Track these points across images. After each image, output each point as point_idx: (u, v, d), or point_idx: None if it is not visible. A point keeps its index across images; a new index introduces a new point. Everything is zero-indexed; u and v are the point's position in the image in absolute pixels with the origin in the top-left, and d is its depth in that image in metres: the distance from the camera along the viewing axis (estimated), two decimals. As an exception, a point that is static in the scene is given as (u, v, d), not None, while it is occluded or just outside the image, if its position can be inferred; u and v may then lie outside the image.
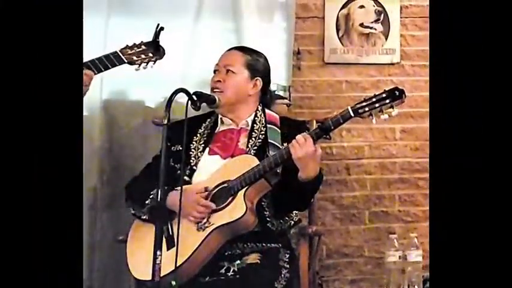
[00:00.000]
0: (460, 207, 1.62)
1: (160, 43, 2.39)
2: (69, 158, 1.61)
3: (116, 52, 2.34)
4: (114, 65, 2.32)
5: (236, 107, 2.45)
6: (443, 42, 1.70)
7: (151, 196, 2.27)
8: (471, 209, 1.61)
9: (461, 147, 1.64)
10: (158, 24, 2.36)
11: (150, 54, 2.38)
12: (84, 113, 3.01)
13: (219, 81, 2.42)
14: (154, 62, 2.41)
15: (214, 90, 2.42)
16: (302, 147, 2.15)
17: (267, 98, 2.55)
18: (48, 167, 1.58)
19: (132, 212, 2.40)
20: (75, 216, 1.61)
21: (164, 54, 2.42)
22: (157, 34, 2.37)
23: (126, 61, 2.34)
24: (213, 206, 2.23)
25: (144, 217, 2.33)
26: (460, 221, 1.62)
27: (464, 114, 1.64)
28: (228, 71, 2.43)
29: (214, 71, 2.49)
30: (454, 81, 1.66)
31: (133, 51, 2.36)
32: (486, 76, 1.64)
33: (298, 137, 2.17)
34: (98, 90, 3.01)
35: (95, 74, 2.29)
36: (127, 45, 2.37)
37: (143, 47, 2.38)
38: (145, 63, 2.39)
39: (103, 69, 2.30)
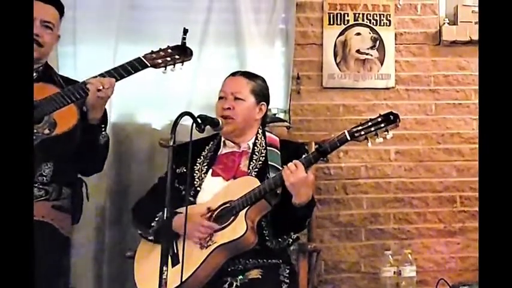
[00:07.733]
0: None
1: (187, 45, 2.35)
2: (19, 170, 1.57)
3: (138, 58, 2.33)
4: (136, 70, 2.31)
5: (243, 132, 2.50)
6: (492, 66, 1.73)
7: (156, 219, 2.30)
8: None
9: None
10: (184, 28, 2.36)
11: (176, 56, 2.35)
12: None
13: (229, 108, 2.46)
14: (182, 63, 2.37)
15: (225, 117, 2.44)
16: (293, 173, 2.20)
17: (265, 119, 2.62)
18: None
19: (139, 232, 2.44)
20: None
21: (192, 54, 2.38)
22: (184, 37, 2.34)
23: (149, 65, 2.32)
24: (215, 226, 2.26)
25: (151, 238, 2.37)
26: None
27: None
28: (236, 98, 2.47)
29: (220, 98, 2.51)
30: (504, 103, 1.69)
31: (157, 55, 2.34)
32: None
33: (290, 164, 2.22)
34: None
35: (118, 80, 2.28)
36: (152, 51, 2.35)
37: (169, 50, 2.36)
38: (172, 65, 2.35)
39: (125, 75, 2.30)
